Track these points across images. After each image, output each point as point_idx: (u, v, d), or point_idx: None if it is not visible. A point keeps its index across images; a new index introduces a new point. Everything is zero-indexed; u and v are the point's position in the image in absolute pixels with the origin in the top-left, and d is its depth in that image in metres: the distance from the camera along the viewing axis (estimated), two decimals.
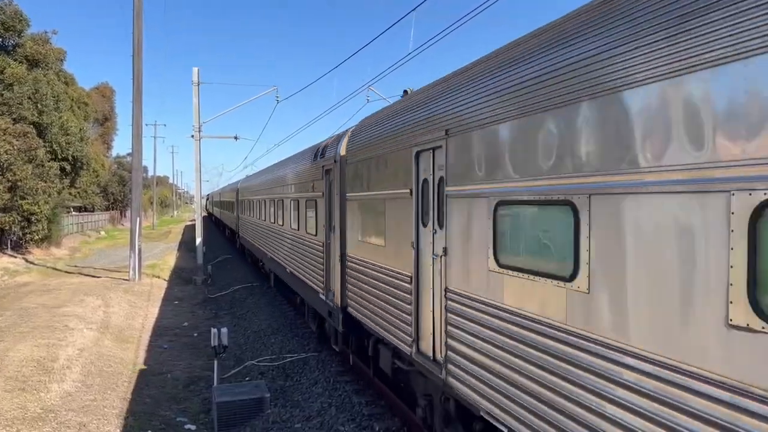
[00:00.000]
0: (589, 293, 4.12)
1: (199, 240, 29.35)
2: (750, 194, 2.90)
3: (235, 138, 34.20)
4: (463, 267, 5.94)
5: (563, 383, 4.33)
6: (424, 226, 6.98)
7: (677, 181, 3.35)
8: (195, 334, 16.43)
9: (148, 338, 15.74)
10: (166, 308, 20.24)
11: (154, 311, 19.49)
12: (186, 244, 47.02)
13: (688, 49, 3.28)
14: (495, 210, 5.31)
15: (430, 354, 6.78)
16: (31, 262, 32.18)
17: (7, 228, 33.15)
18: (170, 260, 34.77)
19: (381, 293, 8.35)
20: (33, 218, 33.66)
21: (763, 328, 2.90)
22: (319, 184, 12.13)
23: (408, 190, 7.32)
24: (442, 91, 6.71)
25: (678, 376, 3.34)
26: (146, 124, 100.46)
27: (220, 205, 55.00)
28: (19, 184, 32.07)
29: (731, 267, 3.03)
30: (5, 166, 31.28)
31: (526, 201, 4.85)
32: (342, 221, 10.46)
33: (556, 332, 4.43)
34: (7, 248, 34.63)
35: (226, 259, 33.98)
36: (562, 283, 4.39)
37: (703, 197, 3.19)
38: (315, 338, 14.44)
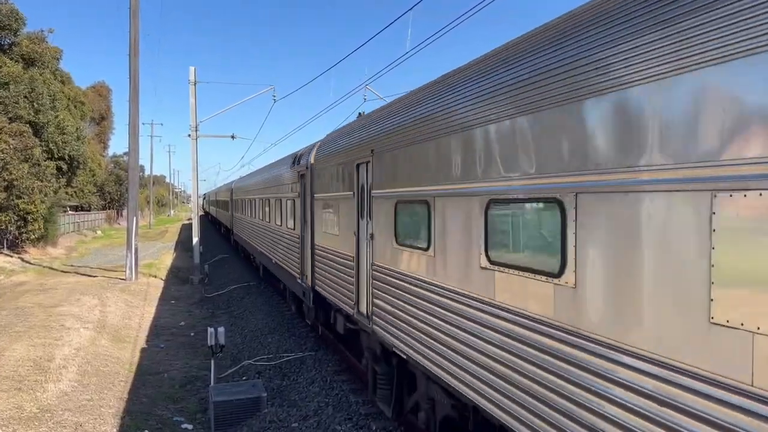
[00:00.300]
0: (434, 256, 6.44)
1: (195, 239, 29.32)
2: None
3: (232, 137, 34.19)
4: (382, 247, 8.04)
5: (434, 319, 6.40)
6: (362, 218, 9.09)
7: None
8: (192, 334, 16.41)
9: (144, 338, 15.72)
10: (163, 308, 20.22)
11: (150, 311, 19.47)
12: (183, 243, 46.96)
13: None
14: (395, 207, 7.54)
15: (365, 312, 8.87)
16: (28, 262, 32.10)
17: (3, 227, 33.05)
18: (167, 259, 34.73)
19: (336, 272, 10.51)
20: (29, 217, 33.56)
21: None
22: (295, 186, 14.32)
23: (352, 192, 9.51)
24: (370, 122, 9.07)
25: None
26: (143, 123, 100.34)
27: (215, 204, 57.44)
28: (15, 183, 31.97)
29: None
30: (1, 165, 31.18)
31: (411, 200, 7.05)
32: (312, 217, 12.55)
33: (419, 281, 6.79)
34: (3, 248, 34.54)
35: (222, 258, 33.93)
36: (423, 252, 6.68)
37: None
38: (312, 339, 14.45)
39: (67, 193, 48.73)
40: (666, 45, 3.36)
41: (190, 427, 9.80)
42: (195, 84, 28.55)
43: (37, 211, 33.80)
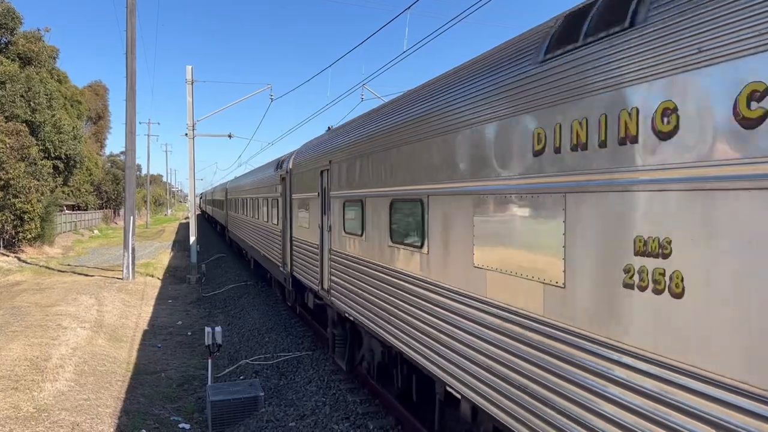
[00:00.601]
0: (366, 241, 8.76)
1: (193, 239, 29.28)
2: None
3: (230, 136, 34.15)
4: (336, 236, 10.27)
5: (368, 287, 8.46)
6: (324, 214, 11.25)
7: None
8: (189, 333, 16.40)
9: (141, 337, 15.70)
10: (160, 307, 20.20)
11: (147, 310, 19.45)
12: (180, 242, 46.90)
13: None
14: (344, 205, 9.71)
15: (326, 288, 11.00)
16: (24, 261, 32.03)
17: None
18: (164, 259, 34.68)
19: (307, 258, 12.81)
20: (26, 217, 33.49)
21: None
22: (278, 187, 16.50)
23: (317, 193, 11.74)
24: (330, 138, 11.53)
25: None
26: (140, 123, 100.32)
27: (212, 203, 60.14)
28: (11, 182, 31.90)
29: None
30: None
31: (352, 200, 9.20)
32: (290, 214, 14.74)
33: (357, 259, 8.96)
34: (0, 247, 34.45)
35: (220, 257, 33.90)
36: (359, 238, 8.87)
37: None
38: (309, 338, 14.45)
39: (63, 192, 48.62)
40: (480, 104, 5.35)
41: (187, 426, 9.80)
42: (192, 83, 28.49)
43: (34, 210, 33.73)
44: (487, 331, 5.17)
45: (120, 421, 9.57)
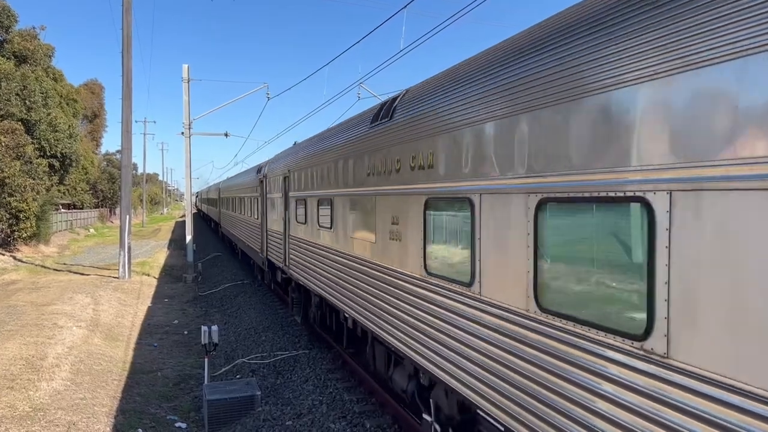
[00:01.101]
0: (309, 227, 12.13)
1: (189, 237, 29.24)
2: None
3: (226, 135, 34.07)
4: (293, 225, 13.81)
5: (310, 259, 11.95)
6: (286, 210, 14.77)
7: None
8: (185, 332, 16.38)
9: (138, 336, 15.68)
10: (156, 306, 20.16)
11: (143, 309, 19.42)
12: (176, 241, 46.82)
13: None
14: (296, 203, 13.20)
15: (287, 264, 14.56)
16: (20, 260, 31.93)
17: None
18: (160, 258, 34.62)
19: (276, 243, 16.42)
20: (21, 215, 33.37)
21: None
22: (258, 189, 19.98)
23: (282, 194, 15.25)
24: (290, 152, 15.24)
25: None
26: (136, 121, 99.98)
27: (207, 201, 63.67)
28: (7, 181, 31.78)
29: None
30: None
31: (302, 198, 12.50)
32: (266, 210, 18.45)
33: (304, 240, 12.51)
34: None
35: (216, 257, 33.86)
36: (305, 225, 12.37)
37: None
38: (305, 336, 14.45)
39: (59, 191, 48.46)
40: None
41: (183, 425, 9.79)
42: (188, 81, 28.42)
43: (29, 209, 33.61)
44: (349, 270, 9.35)
45: (116, 420, 9.55)
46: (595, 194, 3.82)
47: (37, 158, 36.99)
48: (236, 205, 28.13)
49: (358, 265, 8.81)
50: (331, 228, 10.29)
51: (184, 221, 34.96)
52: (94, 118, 71.63)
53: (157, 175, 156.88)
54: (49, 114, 40.69)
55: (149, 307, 19.93)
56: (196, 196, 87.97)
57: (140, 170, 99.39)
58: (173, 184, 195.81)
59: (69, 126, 45.01)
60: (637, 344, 3.54)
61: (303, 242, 12.67)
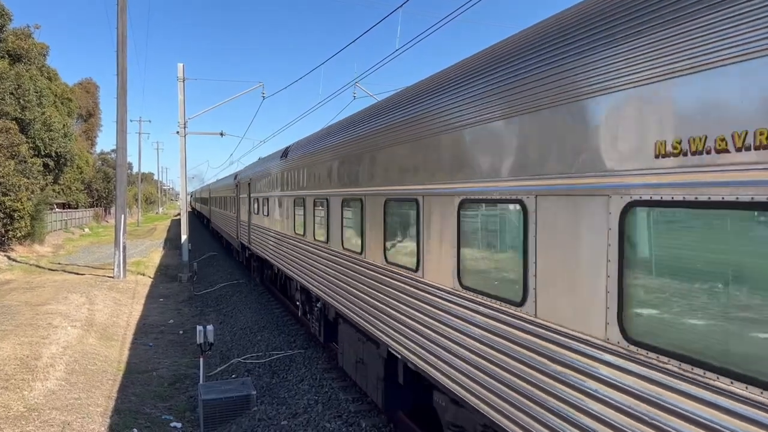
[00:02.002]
0: (265, 217, 17.75)
1: (184, 237, 29.18)
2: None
3: (221, 134, 34.04)
4: (253, 216, 20.16)
5: (263, 238, 18.36)
6: (250, 206, 20.72)
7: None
8: (181, 332, 16.35)
9: (133, 336, 15.65)
10: (152, 306, 20.12)
11: (139, 309, 19.38)
12: (171, 241, 46.71)
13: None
14: (252, 200, 20.28)
15: (250, 243, 20.91)
16: (14, 260, 31.80)
17: None
18: (155, 257, 34.54)
19: (243, 230, 22.44)
20: (15, 215, 33.21)
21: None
22: (235, 191, 26.04)
23: (247, 195, 21.56)
24: (253, 166, 22.44)
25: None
26: (131, 120, 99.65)
27: (200, 200, 69.70)
28: (1, 180, 31.63)
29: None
30: None
31: (260, 198, 18.45)
32: (239, 207, 24.63)
33: (260, 226, 18.72)
34: None
35: (211, 256, 33.80)
36: (264, 216, 17.81)
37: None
38: (301, 336, 14.45)
39: (54, 190, 48.24)
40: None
41: (179, 425, 9.77)
42: (183, 81, 28.37)
43: (24, 208, 33.46)
44: (281, 242, 14.67)
45: (111, 420, 9.53)
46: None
47: (31, 157, 36.83)
48: (221, 203, 35.43)
49: (284, 238, 14.44)
50: (268, 216, 16.90)
51: (179, 220, 35.04)
52: (89, 118, 71.39)
53: (153, 174, 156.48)
54: (43, 113, 40.50)
55: (144, 306, 19.89)
56: (191, 196, 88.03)
57: (135, 169, 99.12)
58: (168, 183, 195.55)
59: (64, 125, 44.80)
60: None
61: (258, 227, 19.03)
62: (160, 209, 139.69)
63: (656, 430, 3.36)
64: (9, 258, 32.29)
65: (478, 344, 5.22)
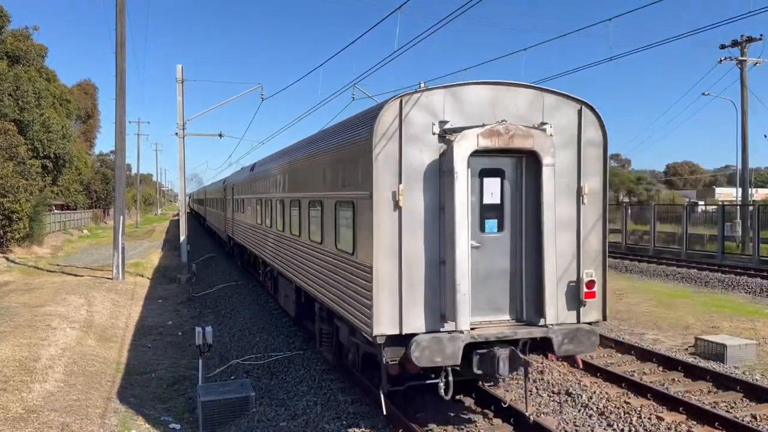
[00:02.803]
0: (241, 213, 24.10)
1: (183, 238, 29.19)
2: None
3: (220, 136, 34.07)
4: (235, 213, 25.47)
5: (239, 228, 25.15)
6: (232, 205, 26.37)
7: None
8: (179, 333, 16.35)
9: (131, 337, 15.64)
10: (150, 307, 20.12)
11: (137, 310, 19.37)
12: (170, 242, 46.72)
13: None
14: (235, 201, 25.33)
15: (232, 234, 27.05)
16: (13, 261, 31.77)
17: None
18: (154, 259, 34.53)
19: (229, 225, 28.25)
20: (14, 216, 33.17)
21: None
22: (224, 193, 30.44)
23: (231, 197, 26.85)
24: (236, 173, 29.24)
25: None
26: (130, 122, 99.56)
27: (197, 202, 71.67)
28: None
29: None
30: None
31: (242, 200, 22.88)
32: (227, 207, 28.93)
33: (241, 221, 23.74)
34: None
35: (210, 257, 33.80)
36: (242, 213, 23.46)
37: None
38: (300, 337, 14.46)
39: (52, 191, 48.26)
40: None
41: (178, 426, 9.78)
42: (182, 82, 28.38)
43: (22, 210, 33.44)
44: (254, 231, 19.42)
45: (110, 421, 9.53)
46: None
47: (30, 159, 36.84)
48: (213, 203, 40.65)
49: (251, 228, 19.54)
50: (243, 212, 21.95)
51: (178, 221, 35.19)
52: (88, 119, 71.40)
53: (151, 175, 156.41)
54: (42, 114, 40.51)
55: (143, 308, 19.88)
56: (189, 197, 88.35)
57: (134, 171, 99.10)
58: (167, 184, 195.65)
59: (62, 126, 44.81)
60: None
61: (239, 222, 23.65)
62: (159, 210, 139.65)
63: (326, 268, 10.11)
64: (7, 259, 32.27)
65: (329, 272, 9.78)
